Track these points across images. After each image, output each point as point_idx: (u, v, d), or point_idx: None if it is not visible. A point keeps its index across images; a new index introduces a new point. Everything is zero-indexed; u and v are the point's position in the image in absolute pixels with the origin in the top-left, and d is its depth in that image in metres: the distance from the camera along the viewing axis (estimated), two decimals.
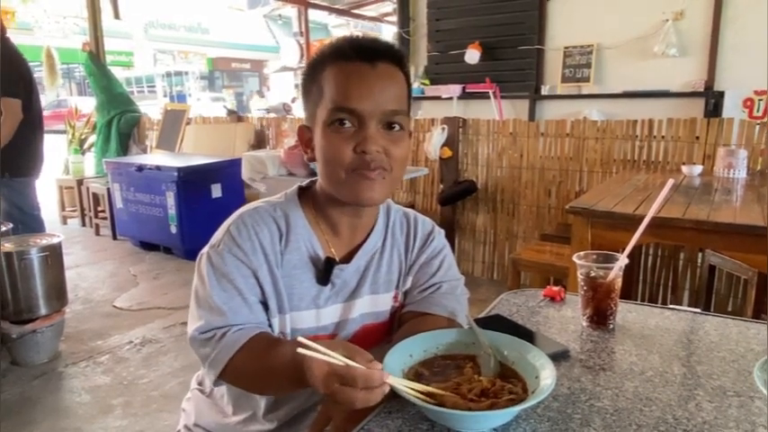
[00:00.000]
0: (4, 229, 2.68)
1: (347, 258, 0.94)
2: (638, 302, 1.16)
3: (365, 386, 0.64)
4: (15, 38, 3.11)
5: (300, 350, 0.65)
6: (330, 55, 0.85)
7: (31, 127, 3.05)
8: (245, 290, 0.85)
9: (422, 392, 0.71)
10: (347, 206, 0.89)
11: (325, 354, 0.65)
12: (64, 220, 5.71)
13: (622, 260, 0.99)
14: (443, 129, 3.90)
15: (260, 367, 0.80)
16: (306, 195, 0.95)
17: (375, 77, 0.82)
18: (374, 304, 0.96)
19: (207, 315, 0.83)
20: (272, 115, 5.91)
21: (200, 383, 1.08)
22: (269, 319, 0.88)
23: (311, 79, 0.87)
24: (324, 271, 0.90)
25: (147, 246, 4.64)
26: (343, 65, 0.83)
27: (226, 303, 0.83)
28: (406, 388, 0.70)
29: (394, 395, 0.71)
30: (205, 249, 0.89)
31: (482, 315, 1.09)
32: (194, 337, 0.84)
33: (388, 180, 0.86)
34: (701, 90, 3.95)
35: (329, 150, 0.84)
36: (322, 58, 0.86)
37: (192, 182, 4.22)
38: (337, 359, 0.65)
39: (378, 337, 0.97)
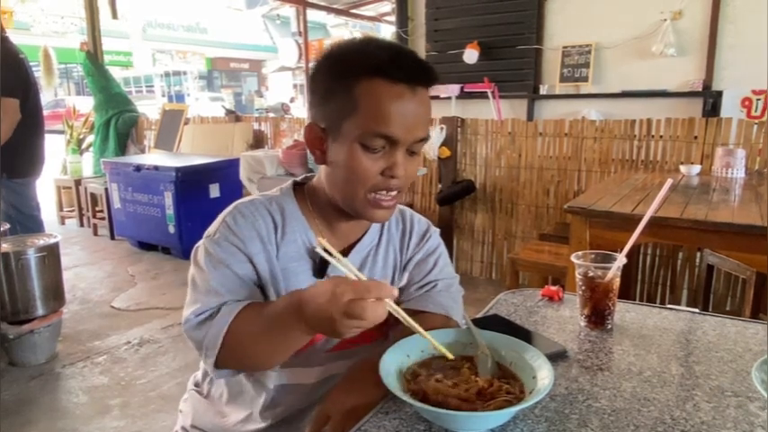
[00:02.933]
0: (1, 229, 2.67)
1: (343, 254, 0.94)
2: (637, 302, 1.16)
3: (377, 296, 0.66)
4: (13, 37, 3.10)
5: (320, 241, 0.72)
6: (369, 67, 0.79)
7: (30, 128, 3.05)
8: (243, 275, 0.85)
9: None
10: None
11: (341, 261, 0.72)
12: (62, 220, 5.70)
13: (620, 260, 0.99)
14: (442, 128, 3.90)
15: (257, 324, 0.79)
16: (301, 191, 0.95)
17: (414, 105, 0.81)
18: None
19: (204, 298, 0.83)
20: (271, 115, 5.90)
21: (196, 384, 1.07)
22: None
23: (336, 81, 0.82)
24: (320, 263, 0.90)
25: (146, 246, 4.63)
26: (386, 86, 0.79)
27: (224, 285, 0.83)
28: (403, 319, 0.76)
29: (392, 396, 0.71)
30: (200, 241, 0.89)
31: (480, 315, 1.09)
32: (189, 319, 0.83)
33: (398, 200, 0.88)
34: (700, 90, 3.95)
35: (357, 169, 0.82)
36: (356, 64, 0.80)
37: (190, 182, 4.21)
38: (351, 269, 0.71)
39: (372, 334, 0.96)
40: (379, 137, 0.80)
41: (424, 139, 0.85)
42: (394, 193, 0.85)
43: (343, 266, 0.72)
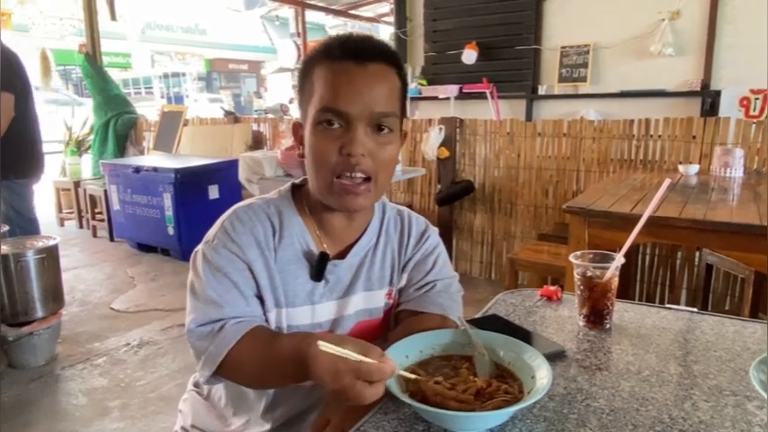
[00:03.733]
0: (1, 230, 2.67)
1: (341, 256, 0.94)
2: (635, 302, 1.16)
3: (379, 379, 0.66)
4: (12, 39, 3.10)
5: (321, 345, 0.67)
6: (321, 53, 0.84)
7: (27, 128, 3.05)
8: (241, 283, 0.85)
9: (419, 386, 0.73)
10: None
11: (342, 353, 0.67)
12: (61, 221, 5.70)
13: (618, 260, 0.99)
14: (441, 129, 3.91)
15: (260, 358, 0.80)
16: (299, 193, 0.95)
17: (364, 78, 0.81)
18: (368, 301, 0.96)
19: (203, 307, 0.84)
20: (270, 116, 5.90)
21: (196, 385, 1.07)
22: (265, 314, 0.88)
23: (303, 77, 0.87)
24: (317, 266, 0.90)
25: (145, 247, 4.63)
26: (332, 64, 0.82)
27: (222, 296, 0.84)
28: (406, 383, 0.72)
29: (391, 396, 0.71)
30: (199, 246, 0.89)
31: (479, 315, 1.09)
32: (191, 329, 0.84)
33: (372, 190, 0.86)
34: (698, 89, 3.96)
35: (315, 150, 0.84)
36: (314, 56, 0.85)
37: (189, 183, 4.21)
38: (353, 356, 0.66)
39: (373, 335, 0.97)
40: (327, 111, 0.81)
41: (389, 114, 0.84)
42: (359, 177, 0.83)
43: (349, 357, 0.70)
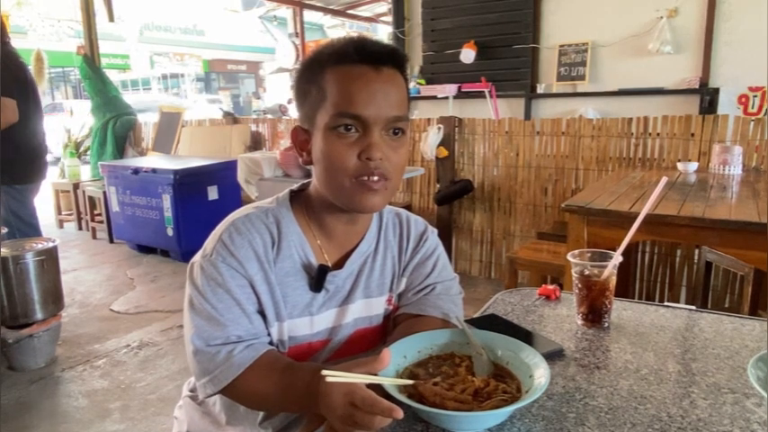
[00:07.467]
0: (1, 232, 2.67)
1: (340, 263, 0.92)
2: (634, 300, 1.16)
3: (389, 416, 0.64)
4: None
5: (326, 375, 0.65)
6: (333, 57, 0.82)
7: (32, 133, 3.04)
8: (243, 300, 0.83)
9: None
10: (343, 212, 0.88)
11: (350, 378, 0.66)
12: (60, 223, 5.69)
13: (616, 258, 0.99)
14: (439, 128, 3.91)
15: (270, 389, 0.80)
16: (298, 199, 0.93)
17: (380, 83, 0.81)
18: (367, 308, 0.95)
19: (206, 325, 0.82)
20: (269, 116, 5.90)
21: (191, 390, 1.06)
22: (267, 329, 0.87)
23: (309, 80, 0.85)
24: (317, 278, 0.89)
25: (144, 249, 4.63)
26: (347, 68, 0.81)
27: (224, 315, 0.82)
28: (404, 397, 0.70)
29: (388, 396, 0.71)
30: (197, 258, 0.87)
31: (477, 314, 1.09)
32: (200, 349, 0.82)
33: (389, 189, 0.85)
34: (696, 87, 3.96)
35: (332, 156, 0.82)
36: (323, 58, 0.83)
37: (188, 184, 4.21)
38: (362, 379, 0.67)
39: (372, 341, 0.96)
40: (345, 116, 0.80)
41: (402, 118, 0.83)
42: (380, 183, 0.83)
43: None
